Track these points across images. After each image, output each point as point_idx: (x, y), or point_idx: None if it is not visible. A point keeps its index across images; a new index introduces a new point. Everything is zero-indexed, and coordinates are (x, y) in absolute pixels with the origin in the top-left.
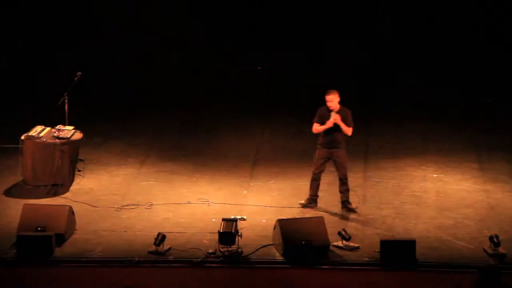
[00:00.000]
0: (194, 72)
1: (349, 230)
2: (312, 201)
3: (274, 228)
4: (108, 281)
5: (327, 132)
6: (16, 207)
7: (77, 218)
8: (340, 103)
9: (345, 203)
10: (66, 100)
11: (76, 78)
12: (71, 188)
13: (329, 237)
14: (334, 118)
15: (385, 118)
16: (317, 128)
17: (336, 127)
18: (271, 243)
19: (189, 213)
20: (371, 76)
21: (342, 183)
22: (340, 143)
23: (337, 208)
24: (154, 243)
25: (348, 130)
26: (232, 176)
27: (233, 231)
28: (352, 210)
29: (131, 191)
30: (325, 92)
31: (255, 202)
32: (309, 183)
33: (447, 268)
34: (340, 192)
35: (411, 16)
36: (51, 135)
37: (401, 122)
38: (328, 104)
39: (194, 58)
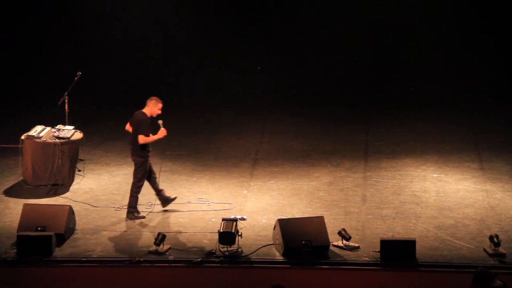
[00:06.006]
0: (194, 72)
1: (349, 230)
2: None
3: (274, 228)
4: (108, 281)
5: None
6: (16, 207)
7: (77, 218)
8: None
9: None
10: (66, 100)
11: (76, 78)
12: (71, 188)
13: (329, 237)
14: (163, 127)
15: (385, 118)
16: (147, 139)
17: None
18: (271, 243)
19: (189, 213)
20: (371, 76)
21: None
22: None
23: (337, 208)
24: (154, 243)
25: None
26: (232, 176)
27: (233, 231)
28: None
29: None
30: (325, 91)
31: (255, 202)
32: (308, 183)
33: (447, 268)
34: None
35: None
36: (51, 135)
37: (401, 122)
38: (160, 112)
39: (193, 59)
